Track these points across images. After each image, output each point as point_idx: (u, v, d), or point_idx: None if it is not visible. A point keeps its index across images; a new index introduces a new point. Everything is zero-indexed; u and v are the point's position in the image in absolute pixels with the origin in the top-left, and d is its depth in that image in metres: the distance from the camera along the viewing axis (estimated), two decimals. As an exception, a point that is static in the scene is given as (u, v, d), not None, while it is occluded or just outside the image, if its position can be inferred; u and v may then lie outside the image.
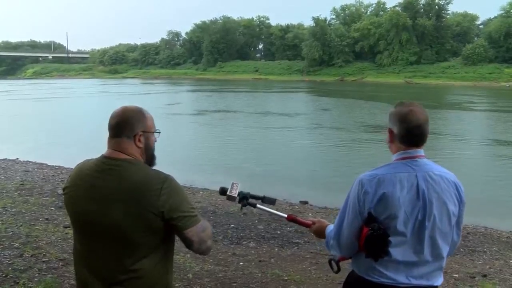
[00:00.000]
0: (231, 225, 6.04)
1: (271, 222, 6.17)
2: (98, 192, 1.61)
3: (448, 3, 70.20)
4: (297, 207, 7.63)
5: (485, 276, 4.58)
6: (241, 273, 4.33)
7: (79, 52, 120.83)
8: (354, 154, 13.55)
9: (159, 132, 1.79)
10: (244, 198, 2.19)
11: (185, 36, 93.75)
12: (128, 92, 41.83)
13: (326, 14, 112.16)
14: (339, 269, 2.06)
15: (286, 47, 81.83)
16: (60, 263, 4.25)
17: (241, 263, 4.62)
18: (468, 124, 20.53)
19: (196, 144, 15.19)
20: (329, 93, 41.66)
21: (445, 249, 1.78)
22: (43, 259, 4.34)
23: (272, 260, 4.79)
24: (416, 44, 67.30)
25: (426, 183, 1.72)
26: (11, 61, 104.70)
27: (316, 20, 74.19)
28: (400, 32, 67.50)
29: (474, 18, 75.88)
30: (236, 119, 22.05)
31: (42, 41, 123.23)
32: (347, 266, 2.15)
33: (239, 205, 2.23)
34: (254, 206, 2.23)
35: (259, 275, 4.28)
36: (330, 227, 2.00)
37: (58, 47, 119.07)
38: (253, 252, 5.06)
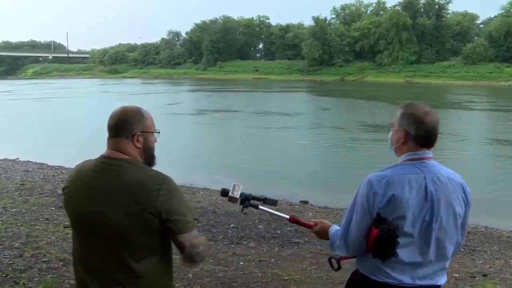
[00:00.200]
0: (231, 225, 6.04)
1: (271, 222, 6.17)
2: (98, 192, 1.62)
3: (448, 3, 70.26)
4: (297, 206, 7.62)
5: (485, 275, 4.57)
6: (241, 273, 4.33)
7: (79, 52, 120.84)
8: (354, 154, 13.55)
9: (159, 132, 1.79)
10: (246, 200, 2.18)
11: (185, 36, 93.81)
12: (128, 92, 41.83)
13: (326, 13, 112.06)
14: (339, 267, 2.06)
15: (286, 46, 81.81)
16: (60, 263, 4.25)
17: (241, 263, 4.62)
18: (468, 124, 20.52)
19: (196, 144, 15.18)
20: (329, 92, 41.66)
21: (449, 250, 1.80)
22: (43, 259, 4.34)
23: (272, 259, 4.79)
24: (416, 44, 67.28)
25: (434, 185, 1.73)
26: (11, 61, 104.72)
27: (316, 19, 74.17)
28: (400, 31, 67.46)
29: (474, 17, 75.86)
30: (236, 118, 22.04)
31: (42, 41, 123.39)
32: (346, 266, 2.15)
33: (241, 206, 2.22)
34: (256, 207, 2.22)
35: (259, 274, 4.28)
36: (334, 228, 2.00)
37: (58, 47, 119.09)
38: (253, 251, 5.06)
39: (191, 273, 4.15)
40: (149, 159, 1.76)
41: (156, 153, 1.79)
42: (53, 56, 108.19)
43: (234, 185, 2.18)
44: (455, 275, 4.48)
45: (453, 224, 1.77)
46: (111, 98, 34.68)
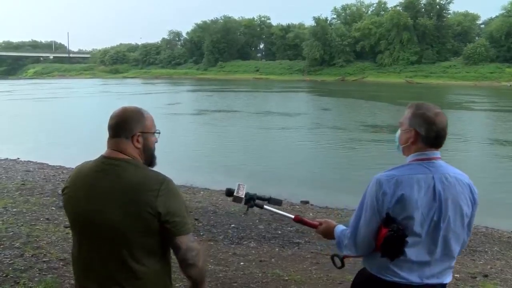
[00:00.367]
0: (232, 225, 6.04)
1: (272, 222, 6.16)
2: (97, 191, 1.62)
3: (449, 3, 70.21)
4: (298, 206, 7.62)
5: (486, 276, 4.57)
6: (242, 273, 4.33)
7: (80, 52, 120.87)
8: (354, 154, 13.55)
9: (159, 133, 1.79)
10: (251, 199, 2.17)
11: (186, 36, 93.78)
12: (129, 92, 41.86)
13: (327, 14, 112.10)
14: (343, 265, 2.06)
15: (287, 46, 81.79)
16: (61, 263, 4.25)
17: (241, 263, 4.62)
18: (469, 124, 20.48)
19: (197, 144, 15.18)
20: (330, 92, 41.65)
21: (456, 249, 1.82)
22: (44, 259, 4.34)
23: (272, 260, 4.78)
24: (417, 44, 67.25)
25: (442, 185, 1.74)
26: (12, 61, 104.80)
27: (317, 19, 74.15)
28: (401, 31, 67.44)
29: (475, 17, 75.77)
30: (236, 119, 22.04)
31: (43, 41, 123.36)
32: (346, 266, 2.15)
33: (246, 206, 2.21)
34: (261, 207, 2.21)
35: (260, 275, 4.27)
36: (339, 228, 2.01)
37: (59, 47, 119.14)
38: (253, 252, 5.05)
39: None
40: (149, 159, 1.76)
41: (156, 153, 1.79)
42: (54, 56, 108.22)
43: (239, 185, 2.17)
44: (455, 275, 4.48)
45: (460, 224, 1.79)
46: (112, 98, 34.71)
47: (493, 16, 72.60)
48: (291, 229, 5.88)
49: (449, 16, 71.88)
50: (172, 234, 1.62)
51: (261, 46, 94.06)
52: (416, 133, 1.81)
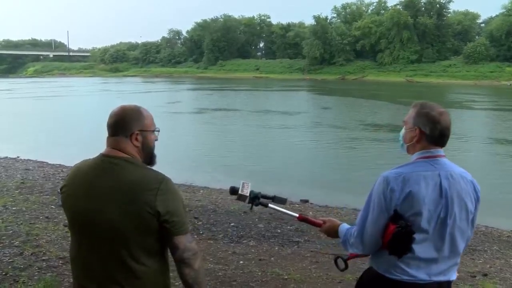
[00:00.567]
0: (231, 224, 6.03)
1: (271, 221, 6.17)
2: (96, 190, 1.61)
3: (449, 2, 70.04)
4: (297, 205, 7.61)
5: (485, 275, 4.57)
6: (241, 271, 4.32)
7: (80, 50, 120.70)
8: (354, 153, 13.54)
9: (158, 131, 1.78)
10: (256, 198, 2.16)
11: (186, 35, 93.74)
12: (129, 91, 41.86)
13: (327, 12, 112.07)
14: (346, 267, 2.06)
15: (287, 45, 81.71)
16: (60, 262, 4.25)
17: (241, 262, 4.62)
18: (469, 123, 20.48)
19: (196, 143, 15.19)
20: (330, 91, 41.63)
21: (461, 246, 1.83)
22: (43, 258, 4.34)
23: (272, 258, 4.78)
24: (417, 43, 67.19)
25: (448, 181, 1.77)
26: (12, 60, 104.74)
27: (317, 18, 74.05)
28: (401, 30, 67.37)
29: (475, 16, 75.71)
30: (236, 117, 22.03)
31: (43, 39, 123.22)
32: (350, 269, 2.15)
33: (249, 204, 2.20)
34: (266, 206, 2.20)
35: (259, 273, 4.27)
36: (344, 226, 2.02)
37: (59, 46, 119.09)
38: (253, 250, 5.05)
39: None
40: (149, 158, 1.75)
41: (156, 151, 1.78)
42: (54, 55, 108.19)
43: (243, 183, 2.16)
44: (455, 274, 4.47)
45: (465, 220, 1.81)
46: (112, 96, 34.69)
47: (493, 15, 72.59)
48: (291, 228, 5.88)
49: (449, 15, 71.80)
50: (171, 233, 1.62)
51: (261, 44, 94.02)
52: (420, 132, 1.84)
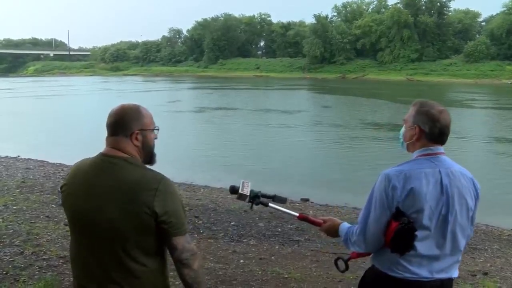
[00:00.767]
0: (232, 223, 6.03)
1: (272, 220, 6.16)
2: (95, 189, 1.61)
3: (449, 0, 70.11)
4: (298, 204, 7.61)
5: (486, 274, 4.56)
6: (242, 270, 4.33)
7: (80, 49, 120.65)
8: (355, 151, 13.54)
9: (158, 129, 1.77)
10: (256, 197, 2.16)
11: (186, 34, 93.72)
12: (129, 90, 41.85)
13: (327, 11, 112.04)
14: (347, 268, 2.05)
15: (287, 44, 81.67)
16: (61, 261, 4.25)
17: (241, 261, 4.62)
18: (470, 122, 20.47)
19: (197, 142, 15.19)
20: (330, 90, 41.61)
21: (462, 243, 1.84)
22: (44, 257, 4.35)
23: (272, 257, 4.78)
24: (418, 42, 67.17)
25: (449, 178, 1.77)
26: (13, 59, 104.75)
27: (318, 17, 74.02)
28: (401, 29, 67.33)
29: (476, 15, 75.66)
30: (237, 116, 22.02)
31: (43, 38, 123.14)
32: (350, 268, 2.15)
33: (249, 203, 2.20)
34: (266, 205, 2.20)
35: (260, 272, 4.27)
36: (345, 225, 2.01)
37: (59, 45, 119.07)
38: (253, 249, 5.05)
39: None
40: (149, 157, 1.74)
41: (156, 150, 1.78)
42: (54, 54, 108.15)
43: (243, 182, 2.15)
44: (455, 273, 4.47)
45: (465, 217, 1.82)
46: (112, 95, 34.69)
47: (494, 13, 72.50)
48: (291, 227, 5.88)
49: (450, 13, 71.77)
50: (169, 234, 1.61)
51: (262, 43, 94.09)
52: (420, 130, 1.84)
